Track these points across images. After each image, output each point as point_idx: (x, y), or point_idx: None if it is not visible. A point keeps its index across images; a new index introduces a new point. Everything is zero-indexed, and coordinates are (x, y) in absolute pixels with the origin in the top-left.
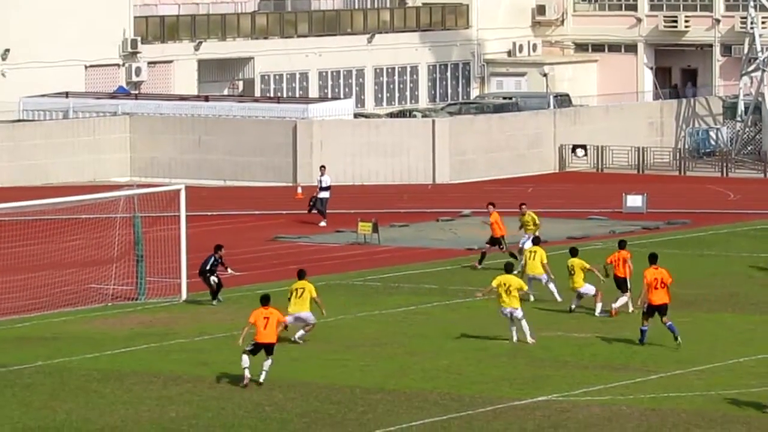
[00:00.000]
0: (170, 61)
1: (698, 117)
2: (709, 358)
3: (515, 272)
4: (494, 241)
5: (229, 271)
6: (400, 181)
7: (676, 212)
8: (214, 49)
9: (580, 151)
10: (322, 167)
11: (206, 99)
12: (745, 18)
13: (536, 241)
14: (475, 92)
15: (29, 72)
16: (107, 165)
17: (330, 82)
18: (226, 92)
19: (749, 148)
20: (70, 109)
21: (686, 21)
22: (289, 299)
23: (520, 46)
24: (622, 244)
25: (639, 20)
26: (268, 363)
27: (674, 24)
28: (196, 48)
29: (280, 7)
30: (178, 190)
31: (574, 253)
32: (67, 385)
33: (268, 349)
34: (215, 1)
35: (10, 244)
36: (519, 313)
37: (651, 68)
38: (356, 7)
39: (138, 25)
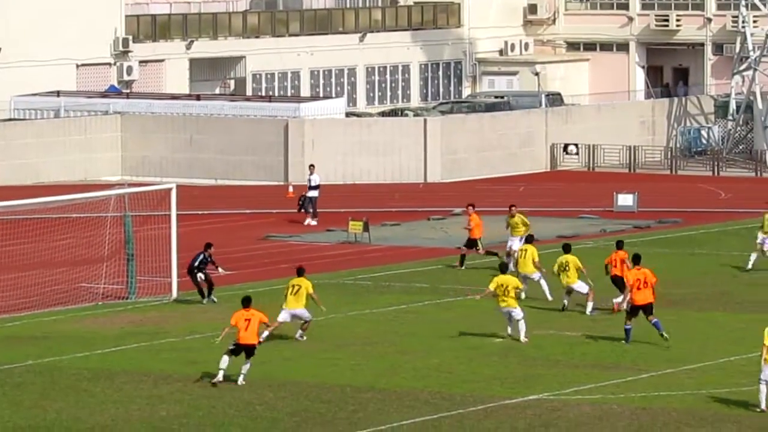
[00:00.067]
0: (162, 60)
1: (690, 116)
2: (700, 357)
3: (509, 272)
4: (471, 243)
5: (220, 270)
6: (392, 180)
7: (667, 211)
8: (206, 48)
9: (572, 148)
10: (311, 166)
11: (198, 98)
12: (737, 17)
13: (529, 239)
14: (466, 91)
15: (20, 71)
16: (98, 164)
17: (321, 81)
18: (217, 91)
19: (740, 147)
20: (62, 108)
21: (678, 20)
22: (285, 296)
23: (512, 45)
24: (619, 245)
25: (630, 19)
26: (246, 367)
27: (666, 23)
28: (188, 47)
29: (271, 6)
30: (170, 189)
31: (567, 249)
32: (58, 384)
33: (249, 351)
34: (207, 0)
35: (1, 243)
36: (518, 314)
37: (642, 67)
38: (348, 6)
39: (129, 24)
